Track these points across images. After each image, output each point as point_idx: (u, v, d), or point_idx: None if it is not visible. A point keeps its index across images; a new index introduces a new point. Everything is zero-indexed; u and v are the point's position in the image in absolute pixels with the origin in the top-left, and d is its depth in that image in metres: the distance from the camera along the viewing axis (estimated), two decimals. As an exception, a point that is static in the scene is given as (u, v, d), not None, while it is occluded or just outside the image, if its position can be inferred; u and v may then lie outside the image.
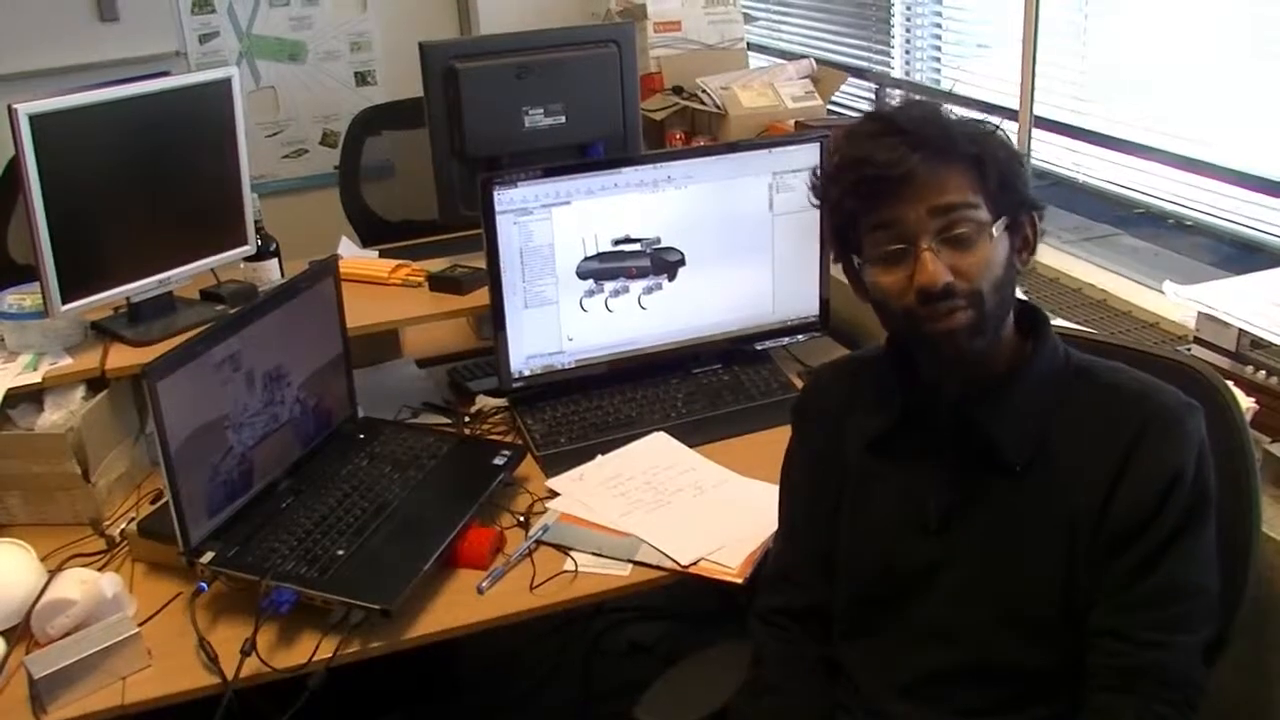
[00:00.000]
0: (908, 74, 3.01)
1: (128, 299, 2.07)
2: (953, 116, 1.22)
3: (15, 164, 1.83)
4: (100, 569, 1.70)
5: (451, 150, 2.38)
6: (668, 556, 1.64)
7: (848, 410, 1.37)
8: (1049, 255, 2.25)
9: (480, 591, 1.61)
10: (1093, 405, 1.22)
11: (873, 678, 1.33)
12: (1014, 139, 1.26)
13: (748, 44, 3.45)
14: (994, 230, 1.18)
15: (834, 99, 3.15)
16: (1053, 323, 1.30)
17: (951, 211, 1.16)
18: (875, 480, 1.32)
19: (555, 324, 2.05)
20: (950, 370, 1.25)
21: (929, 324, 1.18)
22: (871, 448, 1.32)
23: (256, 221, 2.25)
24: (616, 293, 2.07)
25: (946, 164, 1.17)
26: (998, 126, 1.24)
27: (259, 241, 2.26)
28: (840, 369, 1.47)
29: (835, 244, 1.28)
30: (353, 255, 2.51)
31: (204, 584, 1.57)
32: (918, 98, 1.28)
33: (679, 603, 2.50)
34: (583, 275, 2.04)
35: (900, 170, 1.15)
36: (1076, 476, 1.19)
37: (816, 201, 1.27)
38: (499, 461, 1.86)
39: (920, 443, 1.29)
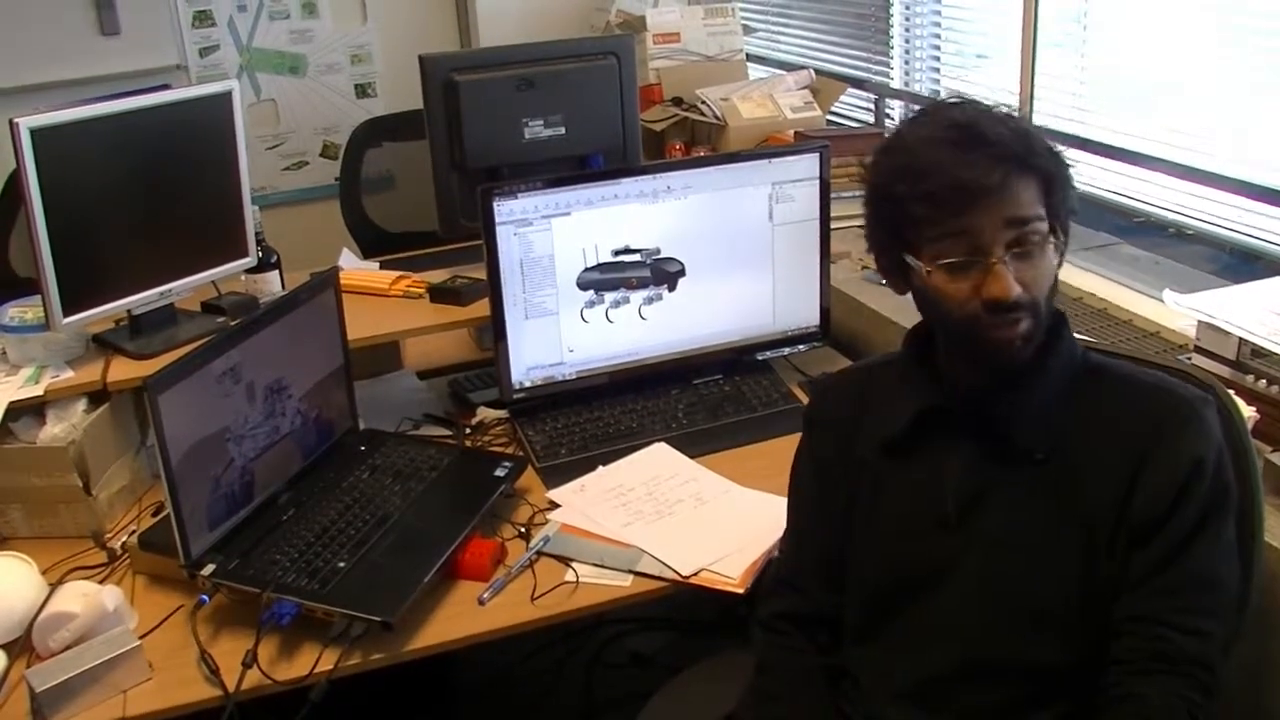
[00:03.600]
0: (907, 84, 3.02)
1: (129, 311, 2.08)
2: (1028, 126, 1.23)
3: (16, 177, 1.83)
4: (101, 582, 1.70)
5: (451, 162, 2.39)
6: (669, 567, 1.64)
7: (859, 415, 1.38)
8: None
9: (481, 603, 1.61)
10: (1110, 398, 1.24)
11: (879, 681, 1.33)
12: None
13: (747, 55, 3.46)
14: (1054, 243, 1.20)
15: (833, 109, 3.16)
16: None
17: (1024, 224, 1.18)
18: (890, 481, 1.33)
19: (556, 335, 2.05)
20: (994, 368, 1.25)
21: (991, 331, 1.19)
22: (887, 449, 1.33)
23: (257, 233, 2.26)
24: (617, 303, 2.07)
25: (1023, 179, 1.18)
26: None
27: (260, 253, 2.26)
28: (850, 376, 1.49)
29: (883, 235, 1.27)
30: (353, 267, 2.51)
31: (205, 596, 1.57)
32: (962, 96, 1.29)
33: (681, 613, 2.50)
34: (583, 286, 2.04)
35: (984, 183, 1.16)
36: (1095, 468, 1.21)
37: (869, 198, 1.28)
38: (500, 473, 1.86)
39: (937, 440, 1.30)
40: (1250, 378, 1.56)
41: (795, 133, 2.90)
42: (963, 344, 1.26)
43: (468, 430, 2.10)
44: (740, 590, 1.59)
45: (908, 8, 2.98)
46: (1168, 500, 1.17)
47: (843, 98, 3.18)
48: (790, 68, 3.36)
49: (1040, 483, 1.23)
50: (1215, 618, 1.17)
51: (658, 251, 2.07)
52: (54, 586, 1.64)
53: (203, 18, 3.72)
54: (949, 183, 1.17)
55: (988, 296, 1.17)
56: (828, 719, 1.35)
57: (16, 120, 1.80)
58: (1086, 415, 1.23)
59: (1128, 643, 1.18)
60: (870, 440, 1.35)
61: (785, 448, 1.95)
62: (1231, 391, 1.36)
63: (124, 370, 1.98)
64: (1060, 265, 1.26)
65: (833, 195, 2.11)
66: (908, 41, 3.00)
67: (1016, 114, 1.24)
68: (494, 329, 2.01)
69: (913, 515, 1.30)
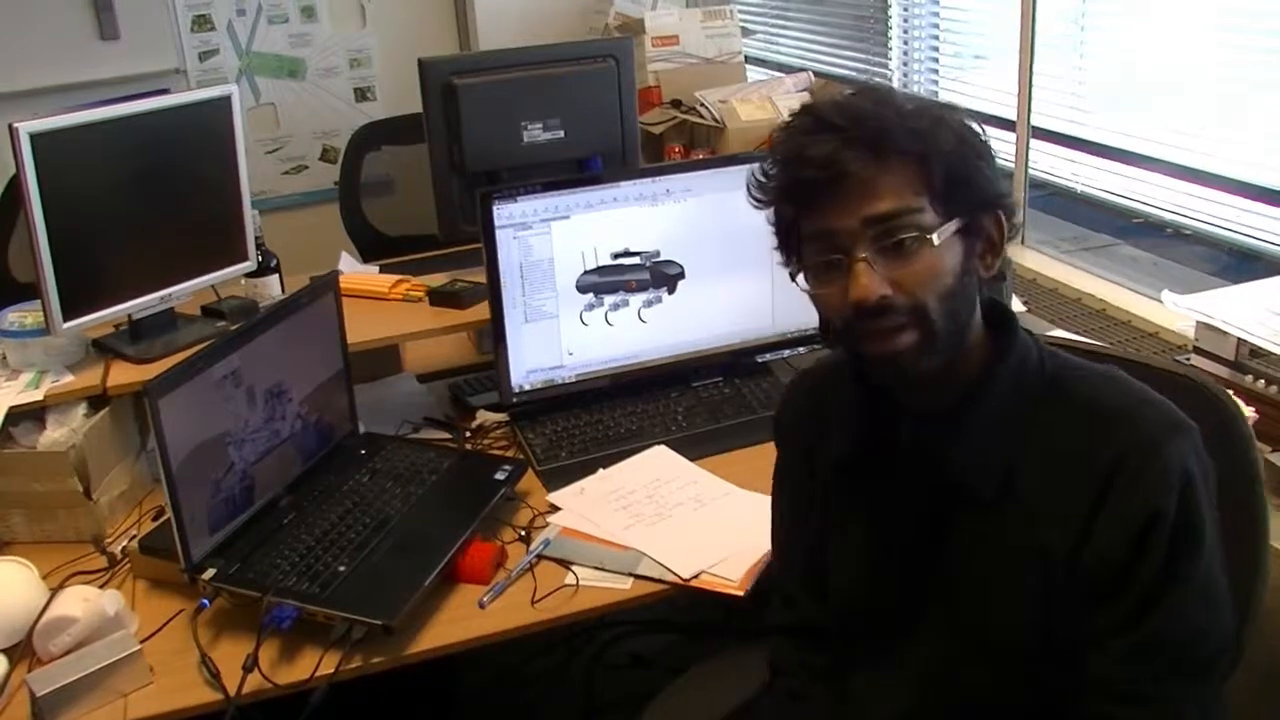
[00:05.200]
0: (905, 86, 3.02)
1: (129, 316, 2.08)
2: (898, 105, 1.08)
3: (16, 182, 1.84)
4: (102, 586, 1.70)
5: (451, 165, 2.39)
6: (669, 570, 1.64)
7: (818, 425, 1.28)
8: (1048, 265, 2.26)
9: (482, 606, 1.61)
10: (1067, 426, 1.10)
11: (858, 712, 1.27)
12: (978, 128, 1.12)
13: (745, 57, 3.47)
14: (936, 236, 1.06)
15: (832, 111, 3.15)
16: (1053, 333, 1.27)
17: (888, 220, 1.05)
18: (847, 504, 1.25)
19: (555, 338, 2.05)
20: (908, 388, 1.15)
21: (869, 343, 1.09)
22: (837, 469, 1.24)
23: (257, 237, 2.26)
24: (616, 306, 2.07)
25: (883, 164, 1.05)
26: (952, 109, 1.11)
27: (259, 257, 2.26)
28: (813, 378, 1.37)
29: (780, 249, 1.17)
30: (353, 270, 2.52)
31: (206, 600, 1.57)
32: (869, 83, 1.18)
33: (681, 615, 2.50)
34: (582, 289, 2.04)
35: (831, 172, 1.05)
36: (1048, 508, 1.09)
37: (753, 202, 1.16)
38: (500, 476, 1.86)
39: (886, 466, 1.19)
40: (1249, 378, 1.57)
41: (794, 135, 2.90)
42: (858, 362, 1.16)
43: (468, 433, 2.10)
44: (740, 592, 1.59)
45: (906, 9, 2.98)
46: (1122, 556, 1.05)
47: (841, 100, 3.18)
48: (789, 70, 3.37)
49: (991, 521, 1.12)
50: (1189, 677, 1.07)
51: (657, 254, 2.07)
52: (55, 591, 1.64)
53: (202, 22, 3.73)
54: (798, 174, 1.07)
55: (850, 300, 1.06)
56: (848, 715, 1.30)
57: (16, 125, 1.80)
58: (1041, 445, 1.10)
59: (1089, 708, 1.09)
60: (826, 456, 1.25)
61: (785, 450, 1.95)
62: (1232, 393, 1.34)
63: (124, 375, 1.98)
64: (990, 258, 1.12)
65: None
66: (906, 43, 3.01)
67: (896, 90, 1.11)
68: (494, 332, 2.02)
69: (867, 548, 1.23)
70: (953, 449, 1.13)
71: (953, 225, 1.07)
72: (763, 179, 1.13)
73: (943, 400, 1.14)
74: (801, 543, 1.33)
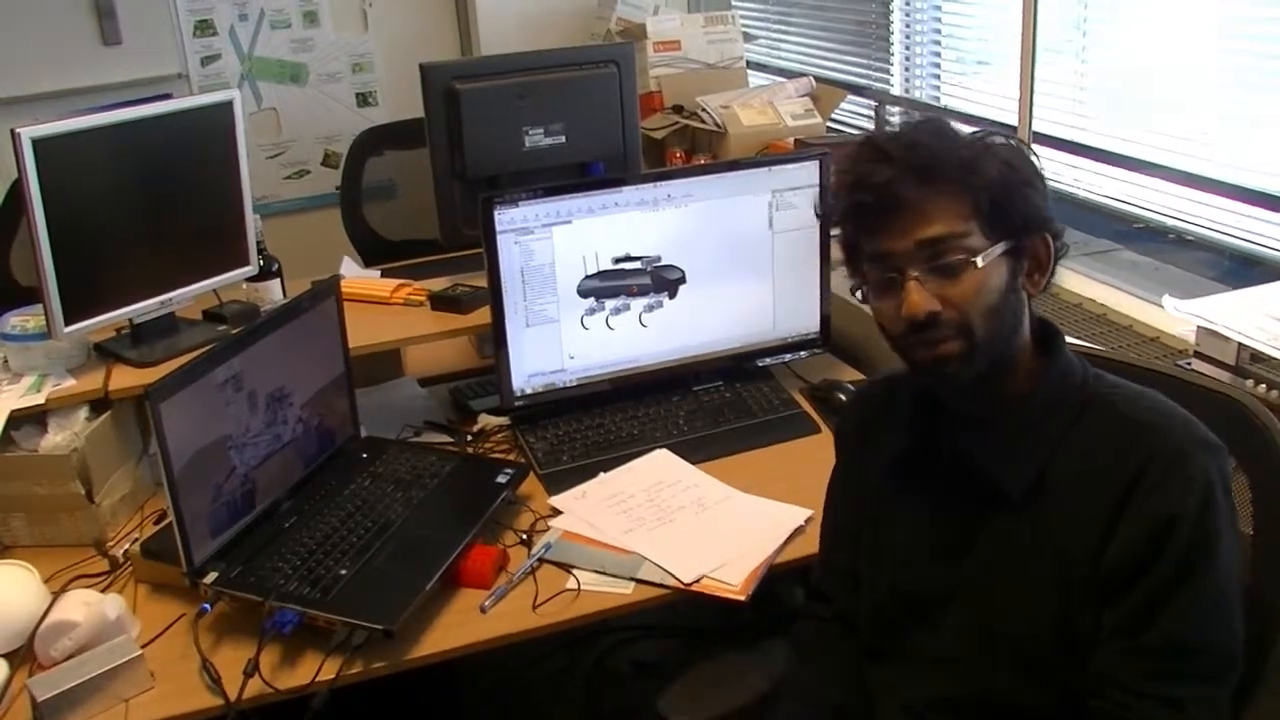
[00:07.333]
0: (907, 91, 3.02)
1: (130, 320, 2.08)
2: (950, 136, 1.18)
3: (19, 187, 1.84)
4: (104, 590, 1.70)
5: (452, 170, 2.39)
6: (670, 574, 1.64)
7: (874, 432, 1.37)
8: (1049, 270, 2.25)
9: (483, 610, 1.61)
10: (1100, 437, 1.17)
11: (886, 702, 1.32)
12: (1030, 156, 1.22)
13: (747, 62, 3.46)
14: (980, 259, 1.14)
15: (833, 116, 3.16)
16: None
17: (937, 243, 1.15)
18: (892, 505, 1.32)
19: (556, 342, 2.05)
20: (954, 394, 1.24)
21: (918, 352, 1.18)
22: (888, 472, 1.32)
23: (258, 242, 2.26)
24: (617, 311, 2.07)
25: (933, 191, 1.15)
26: (1007, 139, 1.20)
27: (261, 262, 2.27)
28: (877, 388, 1.46)
29: (847, 265, 1.27)
30: (354, 275, 2.52)
31: (207, 605, 1.57)
32: (927, 115, 1.25)
33: (682, 620, 2.50)
34: (584, 294, 2.04)
35: (886, 199, 1.15)
36: (1074, 512, 1.15)
37: (818, 217, 1.27)
38: (501, 480, 1.86)
39: (933, 469, 1.27)
40: (1250, 383, 1.56)
41: (795, 140, 2.90)
42: (909, 369, 1.24)
43: (469, 437, 2.10)
44: (741, 597, 1.59)
45: (908, 15, 2.98)
46: (1138, 557, 1.11)
47: (843, 105, 3.18)
48: (791, 75, 3.36)
49: (1021, 522, 1.19)
50: (1195, 681, 1.10)
51: (658, 259, 2.07)
52: (56, 595, 1.64)
53: (204, 27, 3.73)
54: (858, 199, 1.18)
55: (902, 315, 1.16)
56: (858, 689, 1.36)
57: (19, 130, 1.80)
58: (1073, 454, 1.17)
59: (1098, 704, 1.13)
60: (879, 458, 1.33)
61: (786, 454, 1.96)
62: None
63: (125, 378, 1.98)
64: (1038, 277, 1.21)
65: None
66: (908, 48, 3.01)
67: (944, 123, 1.20)
68: (495, 337, 2.02)
69: (907, 544, 1.29)
70: (988, 455, 1.21)
71: (999, 248, 1.16)
72: (831, 200, 1.24)
73: (986, 410, 1.23)
74: (842, 546, 1.40)
